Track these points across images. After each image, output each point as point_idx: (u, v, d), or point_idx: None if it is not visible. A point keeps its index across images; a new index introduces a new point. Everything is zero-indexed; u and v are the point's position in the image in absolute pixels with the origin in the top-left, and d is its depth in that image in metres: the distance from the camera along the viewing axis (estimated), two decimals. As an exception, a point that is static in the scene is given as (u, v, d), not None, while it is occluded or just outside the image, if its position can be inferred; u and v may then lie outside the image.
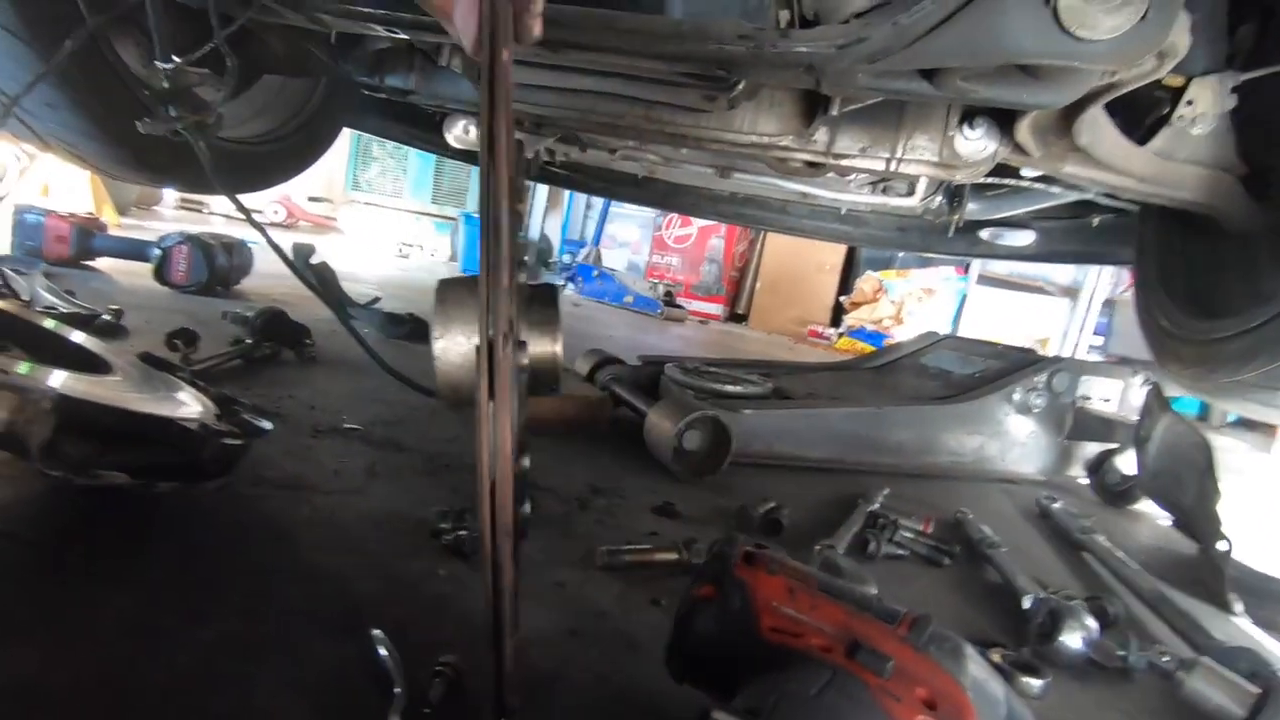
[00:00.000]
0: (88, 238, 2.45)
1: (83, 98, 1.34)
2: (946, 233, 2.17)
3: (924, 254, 4.39)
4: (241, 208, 1.59)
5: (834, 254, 6.03)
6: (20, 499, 0.81)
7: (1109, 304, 5.52)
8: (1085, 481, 1.94)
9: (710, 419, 1.42)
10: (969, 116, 1.37)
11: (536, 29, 0.64)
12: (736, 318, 6.32)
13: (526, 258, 6.51)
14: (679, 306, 5.45)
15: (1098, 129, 1.14)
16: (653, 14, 1.02)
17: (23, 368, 0.71)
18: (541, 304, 0.75)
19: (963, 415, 1.82)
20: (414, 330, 2.33)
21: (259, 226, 1.60)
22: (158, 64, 1.16)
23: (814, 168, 1.65)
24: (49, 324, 1.07)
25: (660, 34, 1.04)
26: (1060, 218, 2.08)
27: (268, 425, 1.02)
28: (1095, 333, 5.55)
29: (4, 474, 0.68)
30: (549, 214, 7.72)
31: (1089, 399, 1.95)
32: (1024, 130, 1.30)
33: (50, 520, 0.80)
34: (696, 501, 1.29)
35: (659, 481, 1.36)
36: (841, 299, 5.91)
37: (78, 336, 1.08)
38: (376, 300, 2.69)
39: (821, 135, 1.48)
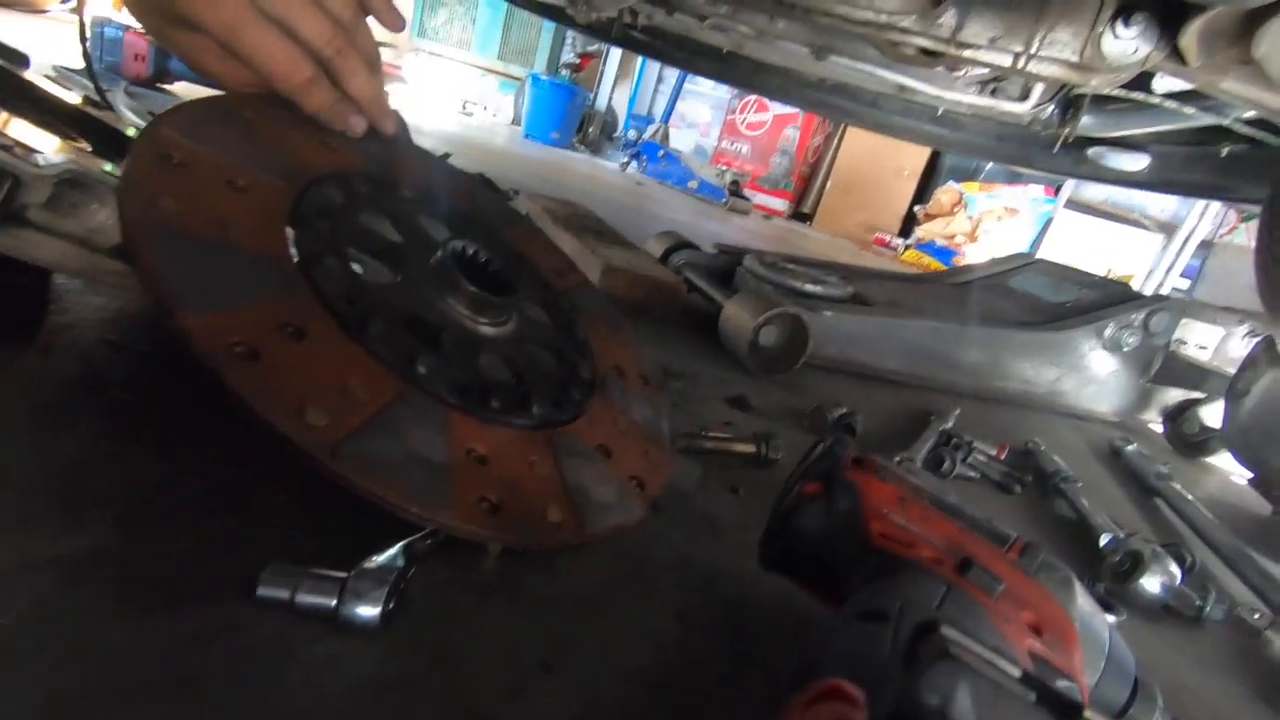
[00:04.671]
0: (165, 58, 2.39)
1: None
2: (1052, 147, 1.99)
3: (1019, 168, 4.07)
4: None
5: (915, 159, 5.65)
6: (130, 313, 0.83)
7: (1205, 245, 5.13)
8: (1157, 427, 1.87)
9: (790, 316, 1.37)
10: (1125, 11, 1.20)
11: None
12: (801, 216, 6.08)
13: (591, 129, 6.25)
14: (744, 198, 5.23)
15: (1280, 40, 0.99)
16: None
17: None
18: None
19: (1046, 344, 1.74)
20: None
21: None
22: None
23: (930, 56, 1.50)
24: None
25: None
26: (1183, 143, 1.88)
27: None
28: (1183, 275, 5.21)
29: (113, 284, 0.68)
30: (618, 85, 7.30)
31: (1184, 343, 1.84)
32: (1192, 32, 1.13)
33: (156, 338, 0.82)
34: (768, 397, 1.27)
35: (730, 373, 1.35)
36: (916, 209, 5.61)
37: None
38: (448, 156, 2.62)
39: (949, 19, 1.32)
